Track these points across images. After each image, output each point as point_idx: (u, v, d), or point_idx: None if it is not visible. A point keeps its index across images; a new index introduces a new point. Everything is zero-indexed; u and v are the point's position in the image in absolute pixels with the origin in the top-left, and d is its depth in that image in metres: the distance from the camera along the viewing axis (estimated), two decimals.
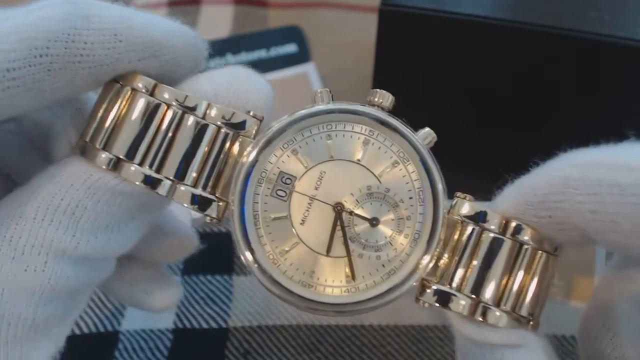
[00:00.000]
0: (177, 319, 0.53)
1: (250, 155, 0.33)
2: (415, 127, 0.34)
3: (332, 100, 0.34)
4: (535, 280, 0.33)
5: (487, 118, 0.55)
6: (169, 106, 0.32)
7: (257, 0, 0.80)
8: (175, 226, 0.40)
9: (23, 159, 0.36)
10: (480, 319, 0.32)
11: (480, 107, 0.54)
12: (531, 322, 0.33)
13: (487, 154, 0.54)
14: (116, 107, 0.32)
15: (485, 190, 0.35)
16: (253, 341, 0.52)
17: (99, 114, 0.32)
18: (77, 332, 0.51)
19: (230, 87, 0.33)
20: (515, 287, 0.33)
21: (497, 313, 0.32)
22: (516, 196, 0.32)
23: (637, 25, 0.48)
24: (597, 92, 0.51)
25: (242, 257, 0.33)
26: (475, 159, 0.54)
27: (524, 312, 0.33)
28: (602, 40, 0.47)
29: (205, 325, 0.52)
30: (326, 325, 0.53)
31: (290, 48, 0.72)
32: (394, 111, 0.34)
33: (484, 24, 0.48)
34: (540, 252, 0.33)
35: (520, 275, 0.33)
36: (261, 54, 0.71)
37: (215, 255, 0.57)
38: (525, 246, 0.32)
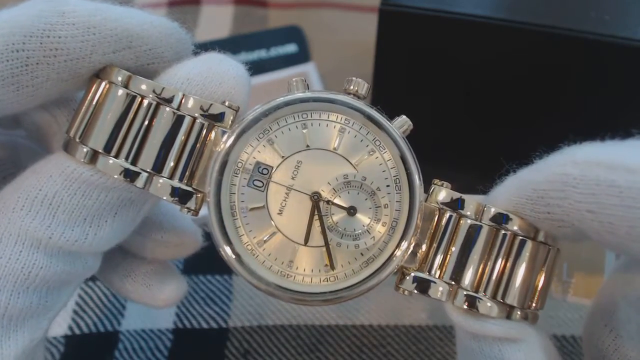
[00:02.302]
0: (177, 319, 0.53)
1: (225, 145, 0.33)
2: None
3: (308, 88, 0.34)
4: (522, 268, 0.32)
5: (487, 117, 0.55)
6: (143, 98, 0.32)
7: (257, 0, 0.80)
8: (175, 223, 0.40)
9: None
10: (466, 306, 0.32)
11: (479, 106, 0.54)
12: (520, 313, 0.32)
13: (486, 152, 0.54)
14: (94, 101, 0.33)
15: (483, 187, 0.35)
16: (253, 341, 0.52)
17: (81, 109, 0.33)
18: (77, 332, 0.51)
19: (204, 71, 0.33)
20: (495, 273, 0.32)
21: (489, 304, 0.32)
22: (515, 190, 0.32)
23: (637, 25, 0.48)
24: (597, 92, 0.50)
25: (220, 249, 0.33)
26: (474, 157, 0.54)
27: (510, 300, 0.32)
28: (602, 40, 0.47)
29: (205, 325, 0.52)
30: (326, 325, 0.53)
31: (290, 48, 0.72)
32: (374, 102, 0.34)
33: (484, 24, 0.48)
34: (528, 240, 0.32)
35: (499, 261, 0.32)
36: (261, 54, 0.71)
37: (216, 255, 0.57)
38: (503, 232, 0.32)
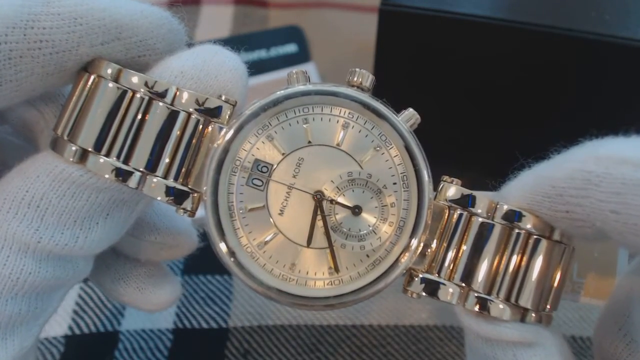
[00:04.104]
0: (177, 319, 0.52)
1: (222, 142, 0.31)
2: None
3: (309, 81, 0.32)
4: (536, 268, 0.30)
5: (487, 116, 0.55)
6: (135, 92, 0.30)
7: (257, 0, 0.79)
8: (170, 224, 0.38)
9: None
10: (477, 309, 0.30)
11: (479, 105, 0.54)
12: (534, 315, 0.31)
13: (486, 151, 0.54)
14: (82, 96, 0.30)
15: (482, 186, 0.33)
16: (253, 341, 0.51)
17: (69, 105, 0.31)
18: (77, 332, 0.51)
19: (199, 64, 0.31)
20: (508, 274, 0.30)
21: (501, 306, 0.30)
22: (531, 187, 0.30)
23: (637, 25, 0.47)
24: (597, 92, 0.50)
25: (217, 251, 0.31)
26: (474, 155, 0.54)
27: (524, 302, 0.30)
28: (602, 40, 0.46)
29: (205, 325, 0.51)
30: (326, 325, 0.52)
31: (290, 48, 0.71)
32: (376, 94, 0.32)
33: (484, 24, 0.48)
34: (542, 239, 0.30)
35: (513, 262, 0.30)
36: (261, 54, 0.70)
37: (216, 255, 0.57)
38: (517, 230, 0.30)
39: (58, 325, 0.51)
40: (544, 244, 0.30)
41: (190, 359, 0.50)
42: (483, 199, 0.31)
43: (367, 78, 0.32)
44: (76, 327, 0.51)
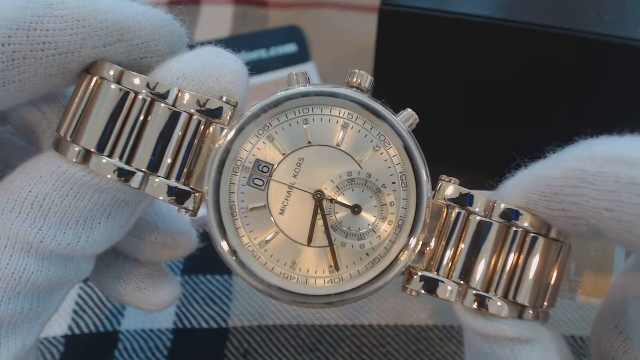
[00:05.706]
0: (177, 319, 0.52)
1: (223, 143, 0.31)
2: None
3: (309, 82, 0.32)
4: (534, 266, 0.31)
5: (486, 116, 0.55)
6: (137, 94, 0.31)
7: (257, 0, 0.80)
8: (170, 224, 0.39)
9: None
10: (476, 306, 0.31)
11: (479, 105, 0.54)
12: (531, 312, 0.31)
13: (485, 151, 0.54)
14: (85, 97, 0.31)
15: (481, 185, 0.34)
16: (253, 341, 0.51)
17: (72, 107, 0.31)
18: (77, 332, 0.51)
19: (200, 66, 0.31)
20: (506, 272, 0.31)
21: (499, 303, 0.31)
22: (528, 186, 0.30)
23: (637, 25, 0.48)
24: (597, 92, 0.51)
25: (219, 250, 0.32)
26: (473, 155, 0.54)
27: (522, 299, 0.31)
28: (602, 40, 0.47)
29: (205, 325, 0.52)
30: (326, 325, 0.52)
31: (290, 48, 0.71)
32: (376, 93, 0.33)
33: (484, 24, 0.48)
34: (540, 237, 0.31)
35: (510, 259, 0.31)
36: (261, 54, 0.70)
37: (216, 255, 0.57)
38: (514, 229, 0.31)
39: (58, 325, 0.51)
40: (541, 242, 0.31)
41: (190, 359, 0.51)
42: (481, 198, 0.31)
43: (366, 79, 0.32)
44: (76, 327, 0.51)
